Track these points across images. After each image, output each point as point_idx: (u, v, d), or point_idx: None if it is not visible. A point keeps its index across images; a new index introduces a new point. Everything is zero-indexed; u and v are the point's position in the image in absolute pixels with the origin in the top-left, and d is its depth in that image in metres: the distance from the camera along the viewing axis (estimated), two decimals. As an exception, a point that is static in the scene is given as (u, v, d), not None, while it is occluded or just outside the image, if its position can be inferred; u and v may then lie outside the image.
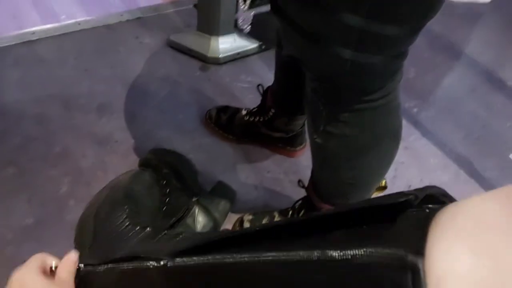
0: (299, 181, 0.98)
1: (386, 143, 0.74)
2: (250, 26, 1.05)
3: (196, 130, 1.24)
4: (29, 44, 1.40)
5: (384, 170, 0.80)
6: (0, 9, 1.49)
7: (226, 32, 1.47)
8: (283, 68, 0.99)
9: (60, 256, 0.52)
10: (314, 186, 0.89)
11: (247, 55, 1.51)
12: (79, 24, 1.50)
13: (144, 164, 1.03)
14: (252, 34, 1.50)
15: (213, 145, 1.21)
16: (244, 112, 1.18)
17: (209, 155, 1.18)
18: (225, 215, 1.01)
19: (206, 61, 1.46)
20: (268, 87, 1.10)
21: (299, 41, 0.64)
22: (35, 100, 1.23)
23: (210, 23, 1.44)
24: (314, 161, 0.85)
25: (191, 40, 1.48)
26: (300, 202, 0.97)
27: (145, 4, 1.64)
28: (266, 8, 1.51)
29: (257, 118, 1.15)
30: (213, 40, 1.47)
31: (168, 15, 1.62)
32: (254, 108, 1.16)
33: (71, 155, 1.11)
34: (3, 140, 1.11)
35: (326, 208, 0.90)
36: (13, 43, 1.38)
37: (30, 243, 0.93)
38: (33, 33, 1.43)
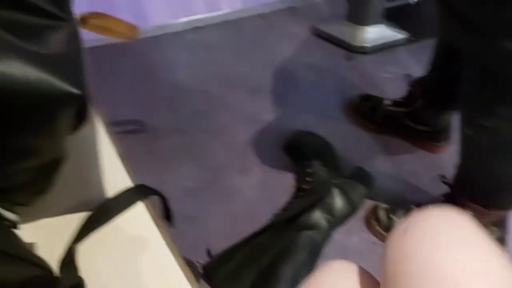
0: (442, 176, 0.96)
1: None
2: None
3: (338, 117, 1.29)
4: (196, 30, 1.60)
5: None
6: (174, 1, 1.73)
7: (374, 23, 1.48)
8: (441, 56, 0.98)
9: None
10: (460, 183, 0.87)
11: (394, 46, 1.49)
12: (237, 13, 1.66)
13: (290, 145, 1.12)
14: (401, 25, 1.48)
15: (353, 133, 1.24)
16: (388, 101, 1.19)
17: (349, 142, 1.22)
18: (363, 200, 1.05)
19: (352, 50, 1.49)
20: (418, 78, 1.09)
21: (462, 33, 0.63)
22: (201, 79, 1.42)
23: (360, 13, 1.46)
24: (462, 156, 0.83)
25: (339, 30, 1.52)
26: (441, 198, 0.96)
27: (296, -7, 1.73)
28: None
29: (402, 108, 1.14)
30: (360, 30, 1.49)
31: (317, 5, 1.68)
32: (399, 99, 1.16)
33: (227, 130, 1.26)
34: (175, 112, 1.31)
35: (472, 206, 0.88)
36: (184, 29, 1.60)
37: (190, 202, 1.10)
38: (200, 20, 1.63)
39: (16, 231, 0.40)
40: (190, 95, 1.36)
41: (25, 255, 0.36)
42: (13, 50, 0.29)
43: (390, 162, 1.17)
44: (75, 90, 0.32)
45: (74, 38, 0.38)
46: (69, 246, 0.44)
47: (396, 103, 1.17)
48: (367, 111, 1.23)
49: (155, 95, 1.36)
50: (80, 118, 0.46)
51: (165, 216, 0.54)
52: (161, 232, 0.49)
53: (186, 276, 0.45)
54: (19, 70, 0.29)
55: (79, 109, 0.35)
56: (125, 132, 1.25)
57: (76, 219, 0.46)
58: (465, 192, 0.86)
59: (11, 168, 0.36)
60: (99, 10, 1.73)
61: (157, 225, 0.49)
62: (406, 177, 1.14)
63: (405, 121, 1.14)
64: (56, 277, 0.41)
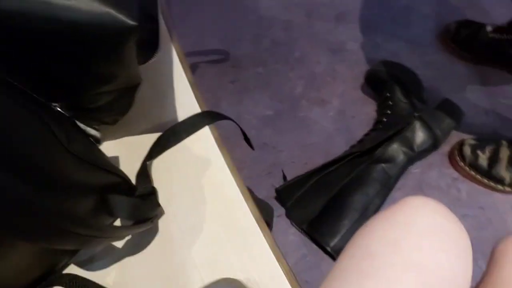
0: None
1: None
2: None
3: (430, 45, 1.19)
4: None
5: None
6: None
7: None
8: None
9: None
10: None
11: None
12: None
13: (371, 75, 1.08)
14: None
15: (446, 63, 1.14)
16: (490, 28, 1.06)
17: (439, 72, 1.13)
18: (448, 134, 0.99)
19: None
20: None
21: None
22: (284, 6, 1.39)
23: None
24: None
25: None
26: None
27: None
28: None
29: (506, 36, 1.01)
30: None
31: None
32: (504, 25, 1.03)
33: (307, 60, 1.25)
34: (257, 42, 1.32)
35: None
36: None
37: (268, 130, 1.14)
38: None
39: (100, 147, 0.48)
40: (273, 24, 1.35)
41: (108, 166, 0.43)
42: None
43: (486, 94, 1.07)
44: (131, 22, 0.35)
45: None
46: (144, 161, 0.51)
47: (500, 29, 1.03)
48: (465, 39, 1.11)
49: (239, 25, 1.37)
50: (153, 47, 0.50)
51: (245, 139, 0.59)
52: (223, 154, 0.53)
53: (243, 194, 0.50)
54: (85, 4, 0.33)
55: (142, 39, 0.39)
56: (211, 62, 1.31)
57: (150, 139, 0.53)
58: None
59: (95, 91, 0.42)
60: None
61: (220, 147, 0.54)
62: (502, 111, 1.03)
63: (509, 49, 1.01)
64: (133, 185, 0.48)
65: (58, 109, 0.43)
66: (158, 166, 0.52)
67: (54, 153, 0.36)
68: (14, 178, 0.29)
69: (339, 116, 1.10)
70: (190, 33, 1.38)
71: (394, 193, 0.95)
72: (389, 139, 0.97)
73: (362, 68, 1.18)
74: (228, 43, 1.33)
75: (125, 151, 0.53)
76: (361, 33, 1.26)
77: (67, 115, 0.44)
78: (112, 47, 0.37)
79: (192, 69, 1.29)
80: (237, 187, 0.50)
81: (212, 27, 1.38)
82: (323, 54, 1.25)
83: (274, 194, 0.96)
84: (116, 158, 0.52)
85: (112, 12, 0.35)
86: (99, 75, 0.41)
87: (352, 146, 1.02)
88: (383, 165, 0.94)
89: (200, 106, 0.59)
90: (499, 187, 0.91)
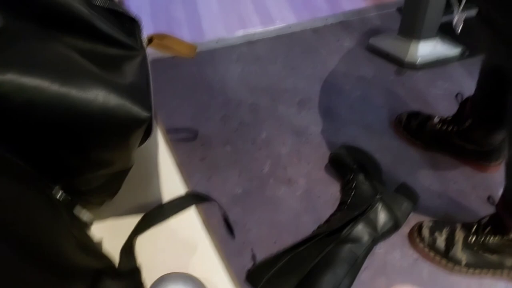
0: (489, 197, 0.95)
1: None
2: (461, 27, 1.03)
3: (385, 132, 1.30)
4: (249, 44, 1.67)
5: None
6: (229, 13, 1.81)
7: (427, 37, 1.47)
8: (488, 77, 0.97)
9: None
10: (506, 205, 0.86)
11: (447, 61, 1.48)
12: (290, 27, 1.71)
13: (335, 158, 1.15)
14: (457, 39, 1.46)
15: (400, 149, 1.25)
16: (436, 119, 1.18)
17: (395, 157, 1.23)
18: (407, 215, 1.05)
19: (403, 65, 1.49)
20: (468, 96, 1.08)
21: (508, 53, 0.64)
22: (250, 91, 1.48)
23: (413, 27, 1.46)
24: (508, 179, 0.83)
25: (390, 44, 1.53)
26: (487, 218, 0.95)
27: (349, 7, 1.76)
28: (474, 12, 1.44)
29: (451, 127, 1.14)
30: (413, 44, 1.48)
31: (369, 19, 1.69)
32: (448, 117, 1.16)
33: (273, 141, 1.31)
34: (225, 123, 1.38)
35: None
36: (238, 42, 1.68)
37: (237, 208, 1.16)
38: (254, 34, 1.70)
39: (90, 229, 0.47)
40: (240, 106, 1.43)
41: (97, 250, 0.43)
42: (98, 80, 0.36)
43: (437, 179, 1.16)
44: (146, 113, 0.38)
45: (144, 64, 0.45)
46: (129, 237, 0.51)
47: (444, 121, 1.16)
48: (414, 128, 1.23)
49: (208, 106, 1.44)
50: (147, 133, 0.53)
51: (225, 224, 0.60)
52: (209, 234, 0.54)
53: (229, 276, 0.50)
54: (102, 98, 0.35)
55: (148, 127, 0.42)
56: (181, 140, 1.34)
57: (136, 220, 0.53)
58: (509, 214, 0.85)
59: (92, 175, 0.43)
60: (161, 24, 1.87)
61: (206, 228, 0.55)
62: (453, 196, 1.13)
63: (454, 139, 1.13)
64: (118, 268, 0.48)
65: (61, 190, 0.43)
66: (142, 244, 0.52)
67: (59, 234, 0.36)
68: (18, 256, 0.29)
69: (306, 196, 1.15)
70: (160, 112, 1.43)
71: (360, 273, 0.98)
72: (354, 220, 1.02)
73: (325, 150, 1.26)
74: (198, 122, 1.38)
75: (110, 231, 0.53)
76: (321, 118, 1.36)
77: (69, 197, 0.44)
78: (123, 135, 0.39)
79: (161, 146, 1.30)
80: (224, 271, 0.51)
81: (182, 106, 1.44)
82: (288, 137, 1.32)
83: (245, 276, 0.95)
84: (100, 239, 0.52)
85: (128, 104, 0.37)
86: (103, 160, 0.42)
87: (320, 226, 1.05)
88: (350, 245, 0.97)
89: (187, 187, 0.60)
90: (457, 268, 0.97)
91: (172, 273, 0.46)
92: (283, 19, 1.76)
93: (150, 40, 0.72)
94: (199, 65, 1.59)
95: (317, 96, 1.44)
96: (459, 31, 1.01)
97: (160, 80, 1.51)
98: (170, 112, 1.42)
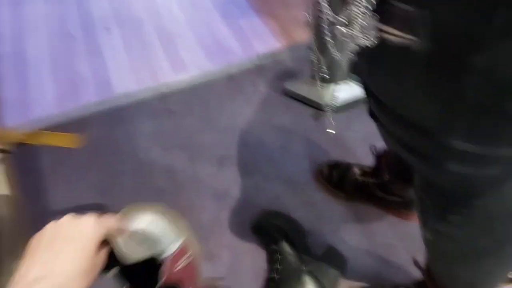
0: (415, 262, 0.92)
1: (510, 248, 0.66)
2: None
3: (307, 185, 1.25)
4: (162, 97, 1.57)
5: (508, 271, 0.71)
6: (140, 63, 1.70)
7: (340, 80, 1.46)
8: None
9: None
10: (429, 273, 0.83)
11: (362, 103, 1.47)
12: (204, 75, 1.63)
13: (256, 227, 1.08)
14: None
15: (323, 203, 1.20)
16: (357, 171, 1.16)
17: (319, 213, 1.18)
18: (336, 283, 1.00)
19: (320, 109, 1.46)
20: (383, 152, 1.06)
21: (398, 149, 0.61)
22: (165, 151, 1.37)
23: (324, 69, 1.44)
24: (426, 253, 0.80)
25: (305, 88, 1.50)
26: (417, 284, 0.92)
27: (263, 49, 1.72)
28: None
29: (371, 180, 1.11)
30: (326, 88, 1.47)
31: (284, 61, 1.67)
32: (368, 169, 1.13)
33: (194, 208, 1.21)
34: (139, 190, 1.26)
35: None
36: (150, 96, 1.57)
37: None
38: (167, 86, 1.60)
39: None
40: (154, 170, 1.32)
41: None
42: None
43: (363, 234, 1.13)
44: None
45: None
46: None
47: (365, 172, 1.14)
48: (336, 180, 1.19)
49: (117, 173, 1.31)
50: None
51: None
52: None
53: None
54: None
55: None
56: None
57: None
58: (434, 284, 0.82)
59: None
60: (63, 81, 1.68)
61: None
62: (381, 251, 1.09)
63: (375, 191, 1.11)
64: None
65: None
66: None
67: None
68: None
69: (231, 272, 1.06)
70: (61, 187, 1.27)
71: None
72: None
73: (247, 214, 1.17)
74: (106, 195, 1.25)
75: None
76: (242, 176, 1.29)
77: None
78: None
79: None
80: None
81: (86, 177, 1.30)
82: (209, 201, 1.23)
83: None
84: None
85: None
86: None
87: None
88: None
89: None
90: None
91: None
92: (197, 66, 1.68)
93: (21, 143, 0.63)
94: (107, 126, 1.46)
95: (236, 151, 1.37)
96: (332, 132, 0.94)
97: (59, 149, 1.36)
98: (71, 187, 1.27)
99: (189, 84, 1.61)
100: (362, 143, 1.34)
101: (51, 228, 0.49)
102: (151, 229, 0.56)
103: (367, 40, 0.46)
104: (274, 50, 1.72)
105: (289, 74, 1.60)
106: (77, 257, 0.45)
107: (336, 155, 1.31)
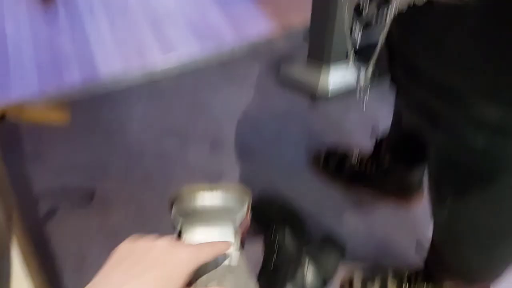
0: (418, 244, 0.89)
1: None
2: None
3: (304, 172, 1.21)
4: (152, 81, 1.50)
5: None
6: (127, 44, 1.63)
7: (337, 63, 1.42)
8: (401, 121, 0.92)
9: None
10: (435, 259, 0.80)
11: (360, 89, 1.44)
12: (195, 60, 1.57)
13: (253, 210, 1.03)
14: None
15: (321, 190, 1.17)
16: (355, 157, 1.12)
17: (317, 200, 1.14)
18: (335, 271, 0.97)
19: (316, 94, 1.43)
20: (384, 136, 1.03)
21: (422, 122, 0.57)
22: (156, 136, 1.32)
23: (321, 52, 1.40)
24: (436, 235, 0.77)
25: (301, 72, 1.46)
26: (417, 270, 0.89)
27: (256, 34, 1.67)
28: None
29: (370, 164, 1.08)
30: (323, 72, 1.43)
31: (278, 46, 1.62)
32: (366, 155, 1.10)
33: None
34: (129, 175, 1.20)
35: (449, 281, 0.81)
36: (139, 80, 1.50)
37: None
38: (157, 71, 1.54)
39: None
40: (145, 155, 1.26)
41: None
42: None
43: (362, 221, 1.10)
44: None
45: None
46: None
47: (363, 158, 1.10)
48: (333, 167, 1.16)
49: (106, 157, 1.25)
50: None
51: None
52: None
53: None
54: None
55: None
56: (73, 203, 1.14)
57: None
58: (441, 271, 0.79)
59: None
60: (46, 62, 1.60)
61: None
62: (380, 238, 1.06)
63: (374, 178, 1.08)
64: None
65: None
66: None
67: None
68: None
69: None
70: (47, 171, 1.21)
71: None
72: (282, 281, 0.91)
73: (242, 200, 1.13)
74: (94, 179, 1.19)
75: None
76: (237, 161, 1.24)
77: None
78: None
79: (51, 214, 1.09)
80: None
81: (74, 161, 1.23)
82: (201, 186, 1.18)
83: None
84: None
85: None
86: None
87: None
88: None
89: None
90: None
91: None
92: (187, 51, 1.62)
93: (1, 117, 0.57)
94: (94, 109, 1.39)
95: (230, 135, 1.32)
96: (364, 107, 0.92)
97: (46, 132, 1.29)
98: (59, 170, 1.21)
99: (179, 70, 1.55)
100: (359, 129, 1.31)
101: (139, 247, 0.40)
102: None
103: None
104: (268, 34, 1.67)
105: (284, 59, 1.56)
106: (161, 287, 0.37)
107: (333, 140, 1.28)
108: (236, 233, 0.49)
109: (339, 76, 1.43)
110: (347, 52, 1.46)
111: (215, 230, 0.48)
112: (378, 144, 1.05)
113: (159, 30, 1.69)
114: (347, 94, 1.42)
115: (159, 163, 1.24)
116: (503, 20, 0.39)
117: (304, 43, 1.53)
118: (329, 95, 1.42)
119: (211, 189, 0.52)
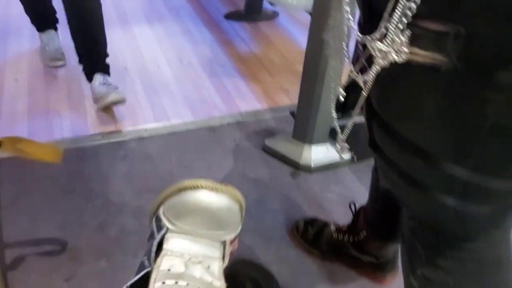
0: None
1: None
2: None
3: (282, 240, 1.21)
4: (140, 140, 1.54)
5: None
6: (119, 106, 1.69)
7: (320, 141, 1.50)
8: (379, 192, 0.96)
9: None
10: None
11: (339, 166, 1.50)
12: (185, 124, 1.64)
13: (229, 275, 1.01)
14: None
15: (298, 259, 1.16)
16: (333, 228, 1.14)
17: (293, 269, 1.13)
18: None
19: (298, 168, 1.48)
20: (361, 207, 1.06)
21: (397, 181, 0.61)
22: (137, 193, 1.32)
23: (305, 131, 1.48)
24: None
25: (285, 146, 1.52)
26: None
27: (245, 108, 1.76)
28: (360, 119, 1.52)
29: (347, 238, 1.09)
30: (306, 148, 1.49)
31: (265, 121, 1.70)
32: (344, 227, 1.12)
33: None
34: (102, 231, 1.18)
35: None
36: (127, 138, 1.54)
37: None
38: (146, 130, 1.59)
39: None
40: (123, 211, 1.25)
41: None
42: None
43: (337, 294, 1.08)
44: None
45: None
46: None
47: (340, 230, 1.12)
48: (311, 238, 1.17)
49: (83, 210, 1.24)
50: None
51: None
52: None
53: None
54: None
55: None
56: (43, 253, 1.10)
57: None
58: None
59: None
60: (39, 120, 1.64)
61: None
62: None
63: (350, 250, 1.09)
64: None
65: None
66: None
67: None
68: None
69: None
70: (20, 219, 1.18)
71: None
72: None
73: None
74: (68, 230, 1.17)
75: None
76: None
77: None
78: None
79: (17, 263, 1.05)
80: None
81: (50, 212, 1.22)
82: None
83: None
84: None
85: None
86: None
87: None
88: None
89: None
90: None
91: None
92: (178, 115, 1.69)
93: None
94: (79, 162, 1.41)
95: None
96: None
97: (26, 179, 1.28)
98: (33, 220, 1.19)
99: (168, 131, 1.60)
100: (338, 204, 1.34)
101: None
102: None
103: (398, 56, 0.44)
104: (256, 109, 1.76)
105: (269, 133, 1.63)
106: None
107: (312, 213, 1.29)
108: (223, 249, 0.45)
109: (320, 153, 1.49)
110: (329, 132, 1.54)
111: (201, 245, 0.44)
112: (355, 218, 1.08)
113: (155, 100, 1.77)
114: (327, 170, 1.48)
115: (135, 220, 1.23)
116: (472, 84, 0.43)
117: (290, 119, 1.62)
118: (311, 170, 1.47)
119: (212, 188, 0.46)
